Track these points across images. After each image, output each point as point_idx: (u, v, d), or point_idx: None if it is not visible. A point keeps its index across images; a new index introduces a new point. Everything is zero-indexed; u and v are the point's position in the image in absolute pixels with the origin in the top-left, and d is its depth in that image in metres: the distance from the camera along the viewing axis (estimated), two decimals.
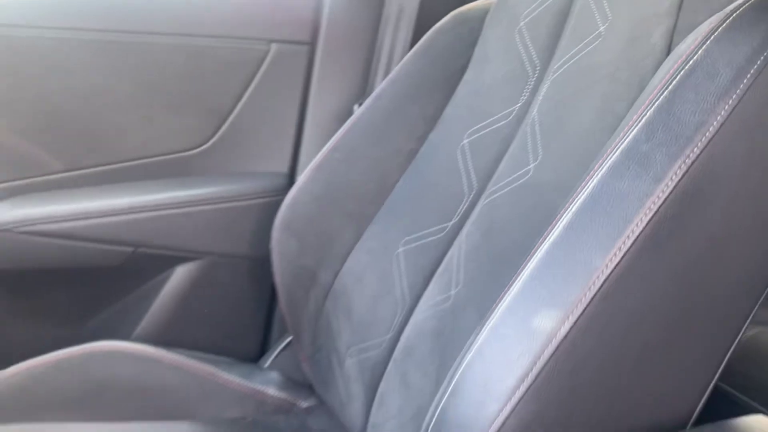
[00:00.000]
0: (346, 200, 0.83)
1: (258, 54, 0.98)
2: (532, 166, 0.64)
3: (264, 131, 1.02)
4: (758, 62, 0.44)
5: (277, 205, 0.86)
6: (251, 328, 1.05)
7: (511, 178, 0.66)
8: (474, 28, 0.82)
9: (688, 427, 0.52)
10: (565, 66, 0.66)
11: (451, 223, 0.72)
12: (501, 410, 0.43)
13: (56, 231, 0.91)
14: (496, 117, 0.73)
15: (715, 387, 0.52)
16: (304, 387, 0.92)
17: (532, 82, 0.70)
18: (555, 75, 0.67)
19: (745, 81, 0.44)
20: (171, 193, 0.96)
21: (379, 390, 0.71)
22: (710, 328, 0.50)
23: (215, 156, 1.00)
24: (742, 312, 0.50)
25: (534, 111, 0.68)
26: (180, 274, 0.99)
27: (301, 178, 0.85)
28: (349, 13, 1.00)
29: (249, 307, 1.04)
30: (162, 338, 0.94)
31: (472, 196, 0.72)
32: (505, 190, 0.66)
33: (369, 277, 0.78)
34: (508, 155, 0.69)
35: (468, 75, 0.80)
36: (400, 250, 0.76)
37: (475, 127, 0.75)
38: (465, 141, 0.75)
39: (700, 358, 0.51)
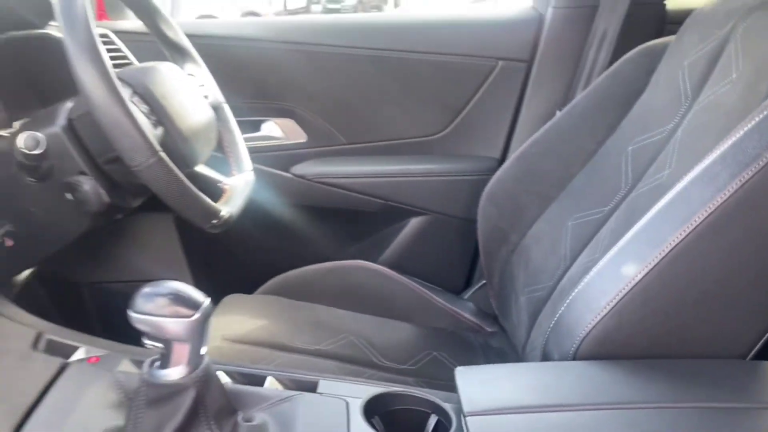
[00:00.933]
0: (537, 183, 1.13)
1: (487, 69, 1.31)
2: (666, 172, 0.87)
3: (485, 126, 1.35)
4: None
5: (486, 181, 1.19)
6: (458, 269, 1.40)
7: (651, 179, 0.90)
8: (654, 60, 1.05)
9: (747, 359, 0.74)
10: (706, 101, 0.87)
11: (607, 208, 0.98)
12: (592, 320, 0.71)
13: (337, 183, 1.35)
14: (654, 132, 0.96)
15: None
16: (490, 317, 1.25)
17: (683, 110, 0.92)
18: (698, 107, 0.89)
19: None
20: (413, 166, 1.35)
21: (538, 318, 1.01)
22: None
23: (447, 142, 1.36)
24: None
25: (679, 132, 0.90)
26: (413, 224, 1.38)
27: (505, 164, 1.17)
28: (562, 36, 1.28)
29: (458, 254, 1.39)
30: (397, 264, 1.33)
31: (625, 190, 0.96)
32: (646, 188, 0.90)
33: (545, 241, 1.07)
34: (656, 163, 0.92)
35: (643, 96, 1.04)
36: (569, 223, 1.03)
37: (639, 138, 0.99)
38: (630, 148, 1.00)
39: (757, 308, 0.72)
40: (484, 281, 1.31)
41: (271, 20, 1.99)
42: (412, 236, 1.37)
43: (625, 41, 1.19)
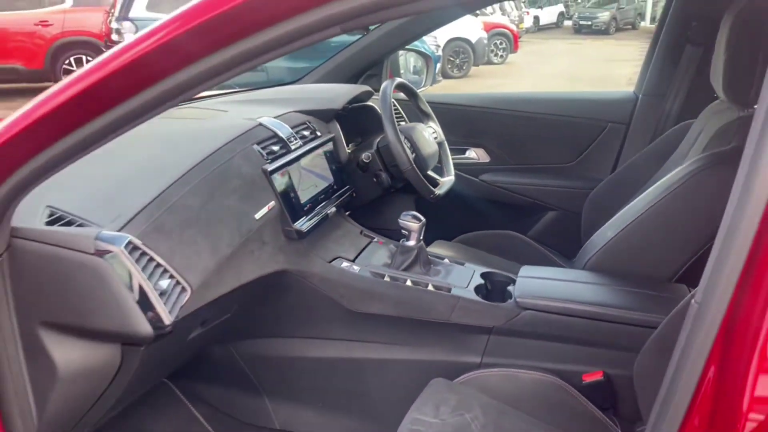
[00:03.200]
0: (619, 194, 1.97)
1: (600, 128, 2.18)
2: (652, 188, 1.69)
3: (597, 162, 2.21)
4: None
5: (592, 191, 2.06)
6: (572, 243, 2.28)
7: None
8: (683, 133, 1.84)
9: (672, 281, 1.55)
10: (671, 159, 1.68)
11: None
12: (600, 245, 1.60)
13: (505, 186, 2.33)
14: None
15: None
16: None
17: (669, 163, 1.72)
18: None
19: None
20: (551, 180, 2.27)
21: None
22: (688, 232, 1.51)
23: (573, 168, 2.25)
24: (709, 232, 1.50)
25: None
26: (548, 215, 2.30)
27: (602, 183, 2.03)
28: (648, 112, 2.10)
29: (572, 235, 2.26)
30: (534, 238, 2.26)
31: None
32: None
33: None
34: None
35: (673, 155, 1.84)
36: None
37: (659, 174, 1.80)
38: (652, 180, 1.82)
39: (680, 246, 1.53)
40: None
41: (469, 95, 2.98)
42: (547, 222, 2.29)
43: (680, 117, 1.99)
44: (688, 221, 1.51)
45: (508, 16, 15.62)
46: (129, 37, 0.86)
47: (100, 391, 1.13)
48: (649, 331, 1.27)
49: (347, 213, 1.94)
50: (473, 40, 11.29)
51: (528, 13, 20.35)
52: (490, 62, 12.73)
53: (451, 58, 11.22)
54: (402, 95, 2.04)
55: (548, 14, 22.17)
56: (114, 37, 7.00)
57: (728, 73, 1.44)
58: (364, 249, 1.73)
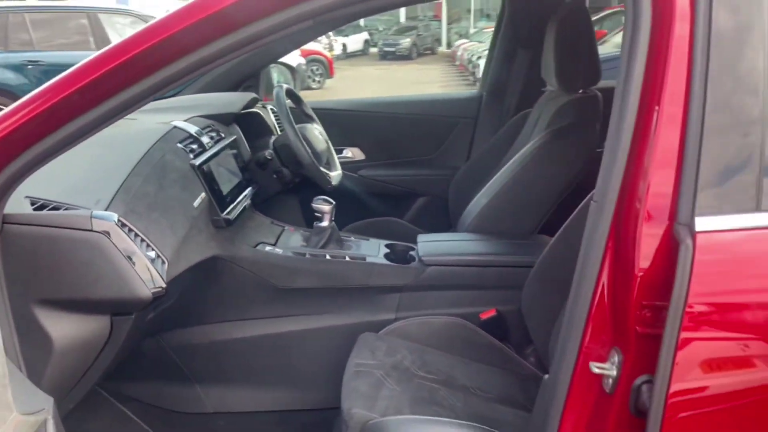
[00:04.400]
0: (477, 177, 2.37)
1: (455, 121, 2.58)
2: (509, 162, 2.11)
3: (455, 151, 2.61)
4: None
5: (453, 177, 2.45)
6: (439, 218, 2.65)
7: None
8: (523, 119, 2.29)
9: (535, 233, 1.95)
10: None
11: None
12: (475, 211, 1.96)
13: (378, 179, 2.64)
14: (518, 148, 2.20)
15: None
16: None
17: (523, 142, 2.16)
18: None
19: None
20: (416, 171, 2.62)
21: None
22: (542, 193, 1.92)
23: (434, 159, 2.64)
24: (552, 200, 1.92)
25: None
26: (419, 201, 2.65)
27: (462, 168, 2.42)
28: (491, 106, 2.54)
29: (439, 211, 2.64)
30: (406, 219, 2.60)
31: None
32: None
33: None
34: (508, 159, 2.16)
35: (519, 136, 2.28)
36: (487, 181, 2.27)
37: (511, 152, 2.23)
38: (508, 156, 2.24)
39: (535, 209, 1.93)
40: None
41: (341, 101, 3.27)
42: (418, 207, 2.64)
43: (519, 108, 2.45)
44: (541, 184, 1.92)
45: (320, 43, 16.27)
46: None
47: (89, 362, 1.22)
48: (527, 270, 1.63)
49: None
50: (294, 65, 11.65)
51: (336, 41, 21.28)
52: (308, 87, 13.16)
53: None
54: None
55: (355, 42, 23.30)
56: None
57: (558, 66, 1.88)
58: (280, 235, 1.92)
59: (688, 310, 0.88)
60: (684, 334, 0.88)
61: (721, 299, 0.93)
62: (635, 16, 0.94)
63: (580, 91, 1.94)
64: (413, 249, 1.92)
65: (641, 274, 0.93)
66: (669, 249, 0.92)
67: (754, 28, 0.92)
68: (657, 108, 0.93)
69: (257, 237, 1.86)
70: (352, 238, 1.97)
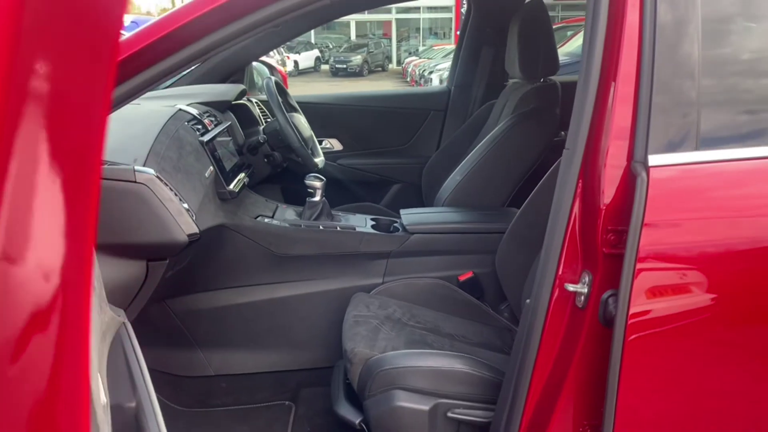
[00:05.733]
0: (447, 163, 2.60)
1: (426, 113, 2.81)
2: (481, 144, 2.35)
3: (427, 140, 2.84)
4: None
5: (425, 164, 2.67)
6: (414, 203, 2.86)
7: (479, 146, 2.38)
8: (489, 108, 2.54)
9: (505, 206, 2.18)
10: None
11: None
12: (453, 188, 2.18)
13: (355, 167, 2.83)
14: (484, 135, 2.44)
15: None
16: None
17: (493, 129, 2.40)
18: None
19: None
20: (392, 159, 2.84)
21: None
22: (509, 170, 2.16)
23: (409, 149, 2.86)
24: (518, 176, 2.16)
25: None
26: (394, 188, 2.87)
27: (433, 156, 2.65)
28: (459, 99, 2.78)
29: (412, 195, 2.85)
30: (386, 205, 2.80)
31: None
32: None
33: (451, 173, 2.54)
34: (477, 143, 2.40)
35: (487, 123, 2.52)
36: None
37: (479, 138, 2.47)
38: (476, 141, 2.47)
39: (503, 184, 2.17)
40: None
41: (321, 95, 3.47)
42: (393, 193, 2.85)
43: (484, 100, 2.70)
44: (509, 162, 2.16)
45: (273, 59, 16.40)
46: None
47: (125, 306, 1.37)
48: (500, 236, 1.85)
49: None
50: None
51: (288, 57, 21.43)
52: None
53: None
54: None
55: (306, 59, 23.50)
56: None
57: (521, 58, 2.13)
58: (275, 210, 2.10)
59: (644, 229, 1.09)
60: (642, 251, 1.08)
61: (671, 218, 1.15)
62: (595, 3, 1.13)
63: (541, 80, 2.19)
64: (396, 222, 2.12)
65: (606, 204, 1.15)
66: (628, 182, 1.14)
67: (691, 21, 1.11)
68: (613, 83, 1.13)
69: (256, 210, 2.03)
70: (341, 213, 2.16)
